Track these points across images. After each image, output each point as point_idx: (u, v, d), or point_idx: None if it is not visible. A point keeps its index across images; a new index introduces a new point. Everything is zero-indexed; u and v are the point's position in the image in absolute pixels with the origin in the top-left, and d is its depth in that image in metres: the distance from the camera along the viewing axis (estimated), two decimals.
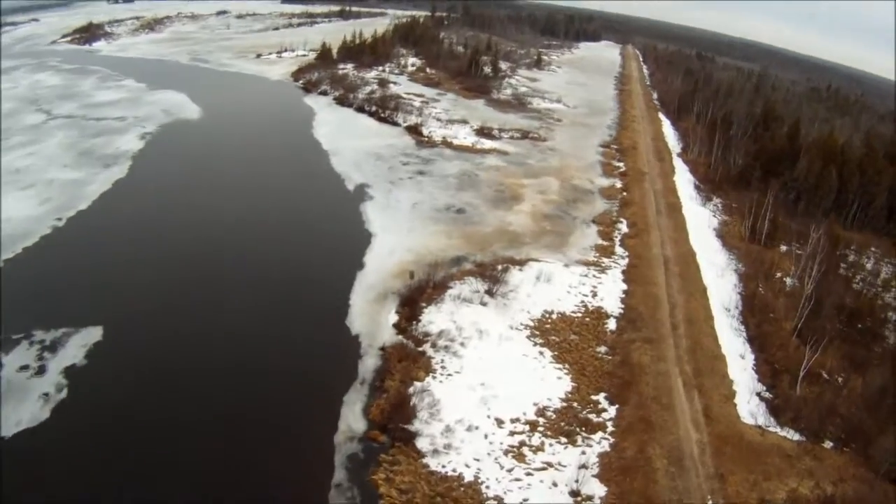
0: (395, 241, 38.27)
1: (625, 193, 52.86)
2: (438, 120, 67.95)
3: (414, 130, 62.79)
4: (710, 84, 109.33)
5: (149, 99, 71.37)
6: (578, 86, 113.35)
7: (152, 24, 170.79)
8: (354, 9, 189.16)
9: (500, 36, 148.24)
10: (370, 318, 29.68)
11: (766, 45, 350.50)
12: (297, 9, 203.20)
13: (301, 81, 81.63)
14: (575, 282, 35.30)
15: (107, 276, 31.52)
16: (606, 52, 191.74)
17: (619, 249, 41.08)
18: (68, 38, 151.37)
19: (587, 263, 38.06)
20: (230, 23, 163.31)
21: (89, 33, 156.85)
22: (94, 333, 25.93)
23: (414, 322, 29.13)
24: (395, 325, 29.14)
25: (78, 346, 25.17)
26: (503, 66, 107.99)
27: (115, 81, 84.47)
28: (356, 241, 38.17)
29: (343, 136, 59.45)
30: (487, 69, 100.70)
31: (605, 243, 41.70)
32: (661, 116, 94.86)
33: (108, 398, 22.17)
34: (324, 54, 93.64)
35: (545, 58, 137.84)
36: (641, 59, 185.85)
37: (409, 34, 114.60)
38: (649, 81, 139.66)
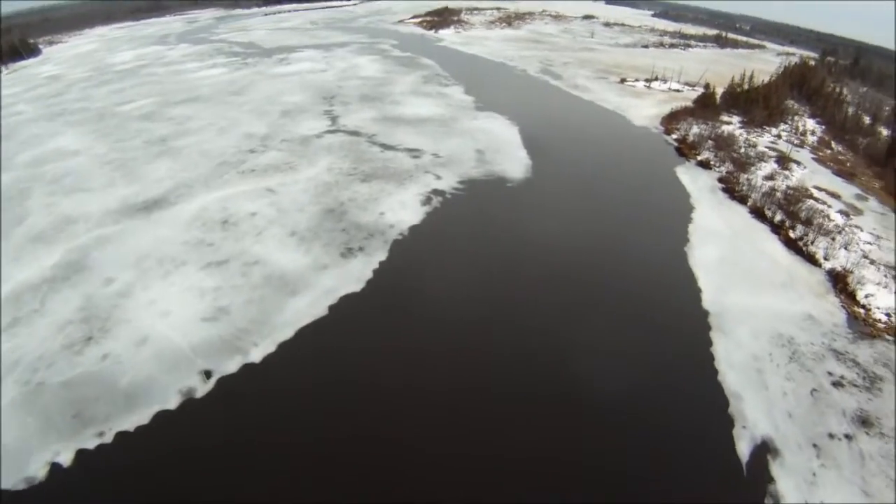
0: None
1: None
2: (873, 264, 36.97)
3: (843, 285, 33.63)
4: None
5: (466, 125, 56.77)
6: None
7: (511, 19, 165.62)
8: (731, 36, 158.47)
9: None
10: None
11: None
12: (670, 26, 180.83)
13: (674, 136, 57.18)
14: None
15: None
16: None
17: None
18: (417, 20, 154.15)
19: None
20: (595, 30, 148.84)
21: (441, 18, 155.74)
22: None
23: None
24: None
25: None
26: None
27: (437, 86, 74.26)
28: None
29: (736, 276, 32.70)
30: None
31: None
32: None
33: None
34: (704, 99, 68.73)
35: None
36: None
37: (800, 84, 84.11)
38: None
